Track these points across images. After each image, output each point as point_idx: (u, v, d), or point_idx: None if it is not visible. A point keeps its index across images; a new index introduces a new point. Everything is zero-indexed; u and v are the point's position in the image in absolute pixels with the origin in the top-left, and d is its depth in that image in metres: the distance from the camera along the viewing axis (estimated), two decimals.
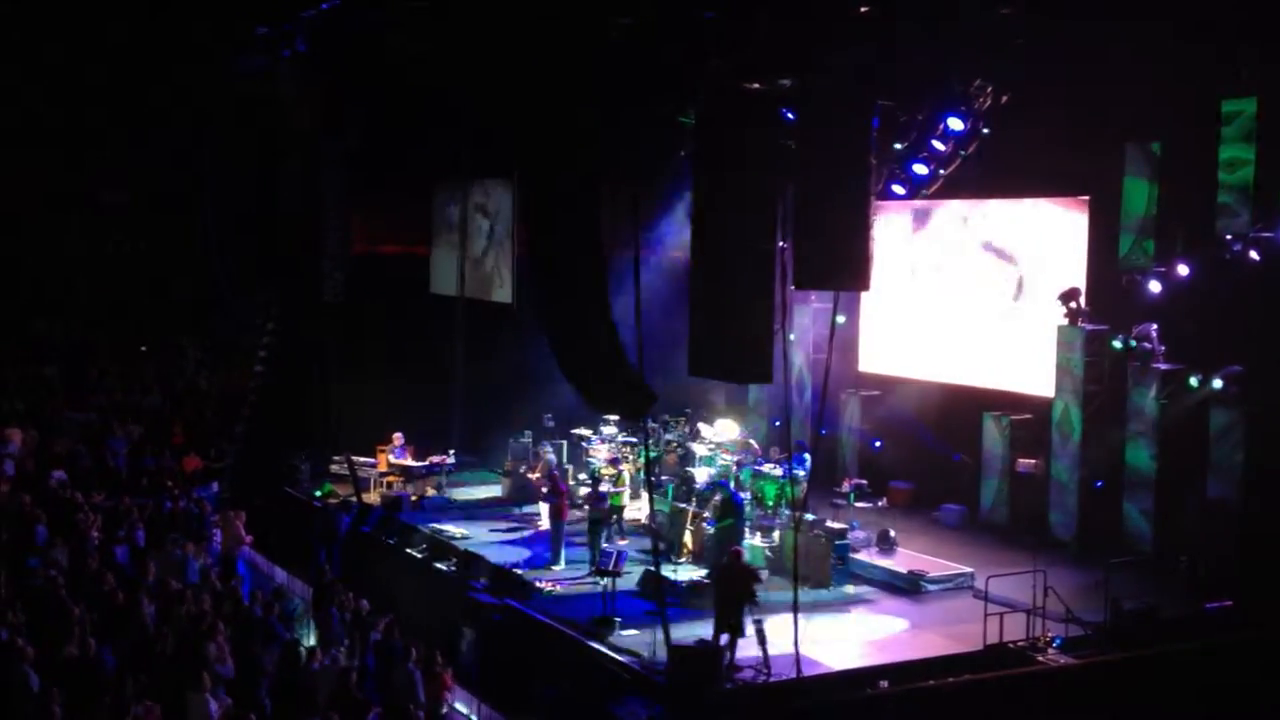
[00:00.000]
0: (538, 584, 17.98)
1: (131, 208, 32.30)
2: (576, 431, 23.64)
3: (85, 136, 29.24)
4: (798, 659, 14.39)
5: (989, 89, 19.29)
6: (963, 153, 20.22)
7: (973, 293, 22.03)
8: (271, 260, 25.01)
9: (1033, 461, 20.65)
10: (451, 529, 20.87)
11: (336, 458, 24.15)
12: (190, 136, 26.88)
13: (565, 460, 23.10)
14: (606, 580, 16.56)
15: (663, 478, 21.11)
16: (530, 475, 22.69)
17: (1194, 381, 18.37)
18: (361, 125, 23.55)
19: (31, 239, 31.65)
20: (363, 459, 23.65)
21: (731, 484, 19.41)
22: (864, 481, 22.22)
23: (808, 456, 20.16)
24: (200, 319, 30.98)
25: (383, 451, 23.79)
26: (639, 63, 17.33)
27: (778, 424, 23.93)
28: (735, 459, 20.77)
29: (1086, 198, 20.02)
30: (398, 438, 23.52)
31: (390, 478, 23.40)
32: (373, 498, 22.81)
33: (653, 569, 16.40)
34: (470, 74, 20.22)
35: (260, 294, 26.97)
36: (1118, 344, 19.32)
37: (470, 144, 25.75)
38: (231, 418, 26.58)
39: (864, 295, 22.03)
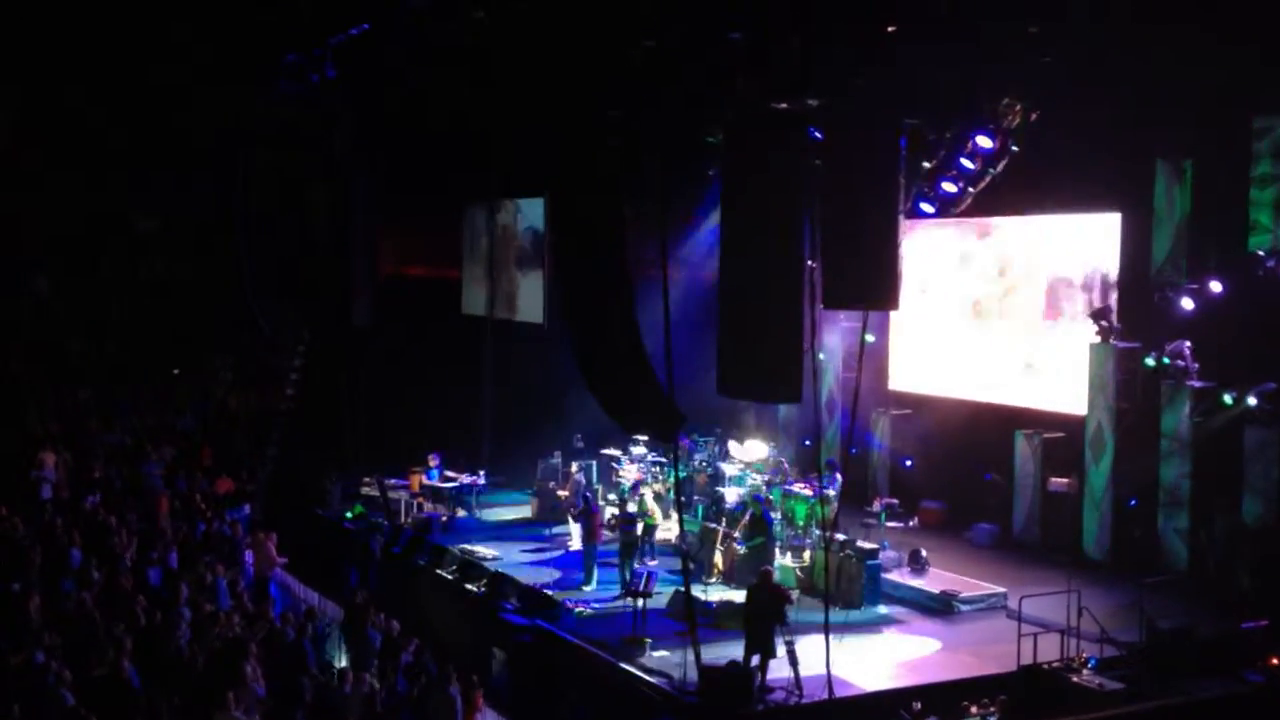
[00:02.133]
0: (568, 605, 17.98)
1: (164, 232, 32.59)
2: (606, 452, 23.64)
3: (119, 162, 29.54)
4: (829, 680, 14.34)
5: (1018, 107, 19.22)
6: (992, 170, 20.15)
7: (1003, 310, 21.95)
8: (302, 282, 25.20)
9: (1065, 480, 20.52)
10: (482, 550, 20.89)
11: (367, 479, 24.24)
12: (222, 161, 27.12)
13: (595, 480, 23.11)
14: (637, 601, 16.54)
15: (693, 498, 21.07)
16: (560, 494, 22.70)
17: (1228, 399, 18.23)
18: (391, 148, 23.72)
19: (66, 263, 31.96)
20: (393, 480, 23.72)
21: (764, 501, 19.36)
22: (895, 501, 22.11)
23: (838, 476, 20.09)
24: (232, 342, 31.19)
25: (415, 472, 23.84)
26: (666, 84, 17.38)
27: (808, 443, 23.88)
28: (765, 478, 20.72)
29: (1118, 214, 19.92)
30: (433, 459, 23.57)
31: (419, 499, 23.45)
32: (403, 519, 22.86)
33: (683, 589, 16.37)
34: (499, 96, 20.33)
35: (291, 316, 27.14)
36: (1150, 361, 19.19)
37: (499, 165, 25.88)
38: (263, 440, 26.73)
39: (894, 313, 21.99)
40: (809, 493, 19.70)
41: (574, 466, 23.04)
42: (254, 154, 26.06)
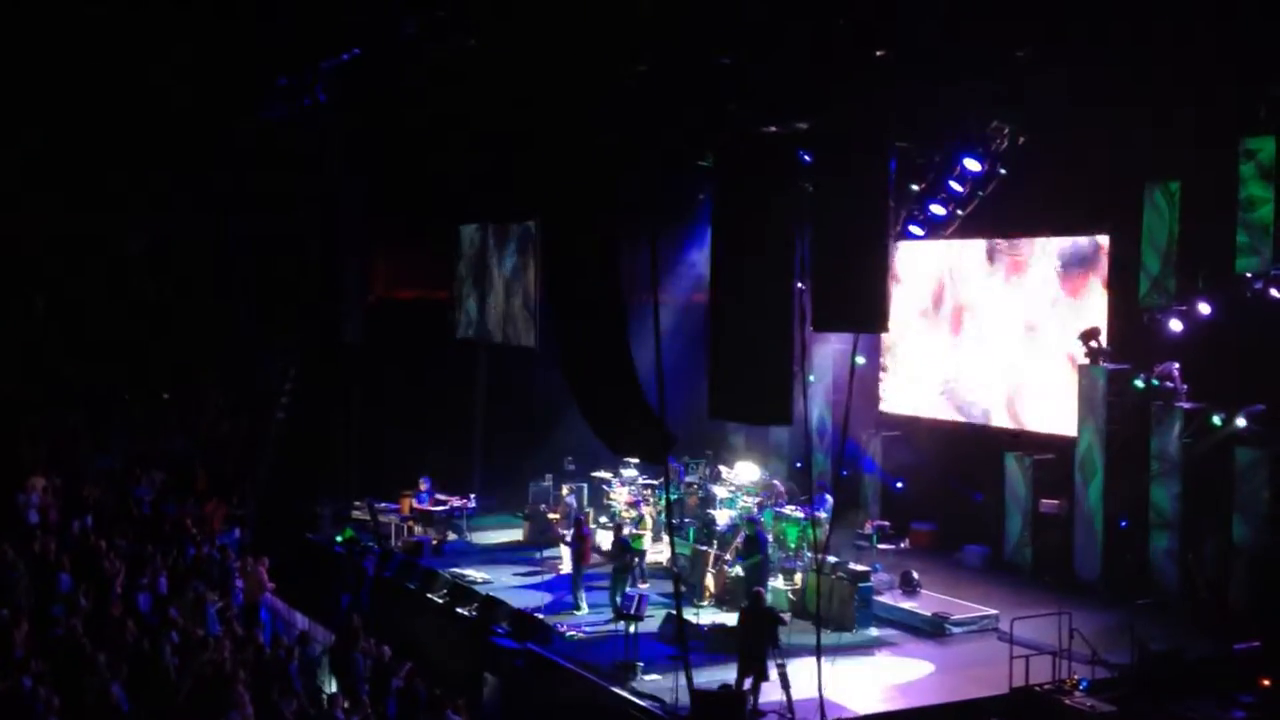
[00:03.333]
0: (559, 629, 17.94)
1: (154, 254, 32.57)
2: (597, 474, 23.61)
3: (109, 184, 29.53)
4: (821, 703, 14.29)
5: (1006, 130, 19.33)
6: (980, 193, 20.26)
7: (992, 331, 22.01)
8: (292, 305, 25.19)
9: (1056, 502, 20.54)
10: (472, 573, 20.84)
11: (357, 503, 24.17)
12: (214, 183, 27.13)
13: (586, 503, 23.07)
14: (629, 624, 16.52)
15: (684, 520, 21.06)
16: (551, 517, 22.64)
17: (1217, 420, 18.29)
18: (382, 171, 23.76)
19: (56, 286, 31.90)
20: (383, 504, 23.66)
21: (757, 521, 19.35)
22: (886, 523, 22.11)
23: (829, 498, 20.10)
24: (222, 365, 31.16)
25: (405, 496, 23.79)
26: (657, 108, 17.45)
27: (799, 466, 23.88)
28: (756, 501, 20.72)
29: (1106, 236, 20.00)
30: (424, 482, 23.53)
31: (410, 522, 23.39)
32: (394, 543, 22.79)
33: (674, 613, 16.34)
34: (490, 119, 20.39)
35: (282, 339, 27.11)
36: (1139, 383, 19.25)
37: (491, 188, 25.93)
38: (253, 463, 26.66)
39: (884, 335, 22.04)
40: (800, 515, 19.69)
41: (565, 490, 23.01)
42: (246, 176, 26.08)
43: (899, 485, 23.65)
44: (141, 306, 32.12)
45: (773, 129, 15.90)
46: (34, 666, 14.20)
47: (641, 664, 16.03)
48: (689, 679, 14.36)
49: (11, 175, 28.61)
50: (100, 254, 31.54)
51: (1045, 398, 20.92)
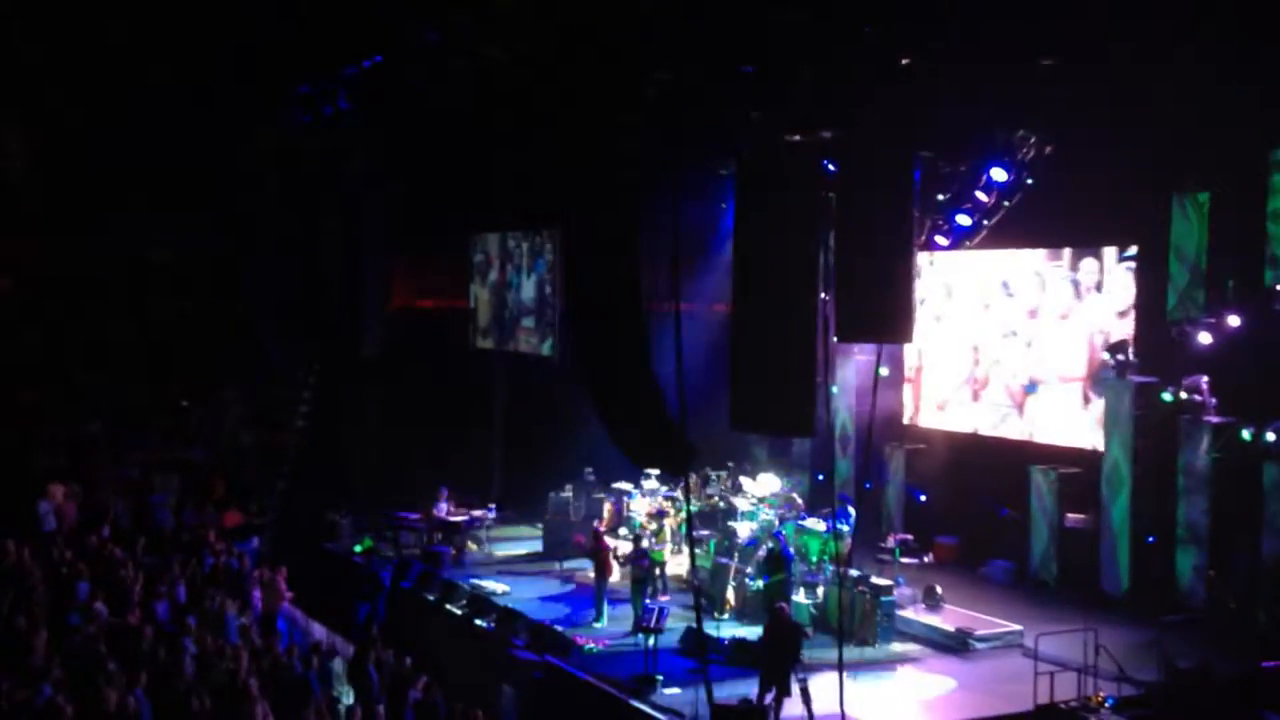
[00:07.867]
0: (579, 641, 17.81)
1: (175, 264, 32.67)
2: (618, 485, 23.49)
3: (130, 195, 29.63)
4: (843, 719, 14.13)
5: (1032, 139, 19.17)
6: (1006, 203, 20.08)
7: (1018, 343, 21.80)
8: (313, 315, 25.20)
9: (1082, 516, 20.32)
10: (491, 584, 20.73)
11: (376, 513, 24.06)
12: (234, 192, 27.16)
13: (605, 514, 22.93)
14: (648, 637, 16.38)
15: (704, 533, 20.91)
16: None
17: (1247, 435, 18.04)
18: (402, 179, 23.75)
19: (76, 295, 32.01)
20: (402, 514, 23.59)
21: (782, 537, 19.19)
22: (909, 536, 21.91)
23: (852, 511, 19.93)
24: (242, 374, 31.22)
25: (425, 506, 23.71)
26: (680, 116, 17.36)
27: (821, 478, 23.71)
28: (777, 513, 20.55)
29: (1134, 248, 19.80)
30: (443, 493, 23.45)
31: (429, 533, 23.28)
32: (412, 553, 22.70)
33: (695, 625, 16.19)
34: (512, 126, 20.36)
35: (302, 349, 27.11)
36: (1168, 396, 19.01)
37: (512, 197, 25.91)
38: (272, 473, 26.63)
39: (907, 346, 21.88)
40: (822, 528, 19.52)
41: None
42: (266, 185, 26.10)
43: (922, 498, 23.45)
44: (161, 315, 32.20)
45: (796, 137, 15.78)
46: (53, 674, 14.16)
47: (661, 677, 15.91)
48: (709, 693, 14.20)
49: (32, 183, 28.71)
50: (121, 263, 31.65)
51: (1071, 410, 20.71)
